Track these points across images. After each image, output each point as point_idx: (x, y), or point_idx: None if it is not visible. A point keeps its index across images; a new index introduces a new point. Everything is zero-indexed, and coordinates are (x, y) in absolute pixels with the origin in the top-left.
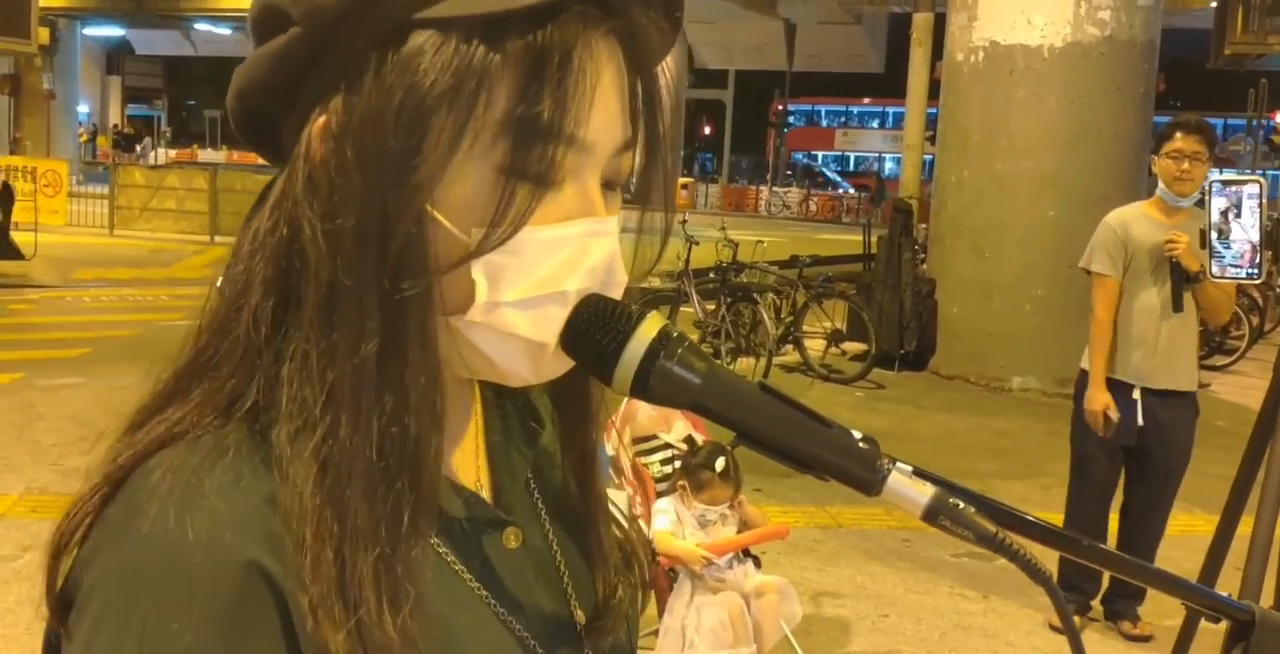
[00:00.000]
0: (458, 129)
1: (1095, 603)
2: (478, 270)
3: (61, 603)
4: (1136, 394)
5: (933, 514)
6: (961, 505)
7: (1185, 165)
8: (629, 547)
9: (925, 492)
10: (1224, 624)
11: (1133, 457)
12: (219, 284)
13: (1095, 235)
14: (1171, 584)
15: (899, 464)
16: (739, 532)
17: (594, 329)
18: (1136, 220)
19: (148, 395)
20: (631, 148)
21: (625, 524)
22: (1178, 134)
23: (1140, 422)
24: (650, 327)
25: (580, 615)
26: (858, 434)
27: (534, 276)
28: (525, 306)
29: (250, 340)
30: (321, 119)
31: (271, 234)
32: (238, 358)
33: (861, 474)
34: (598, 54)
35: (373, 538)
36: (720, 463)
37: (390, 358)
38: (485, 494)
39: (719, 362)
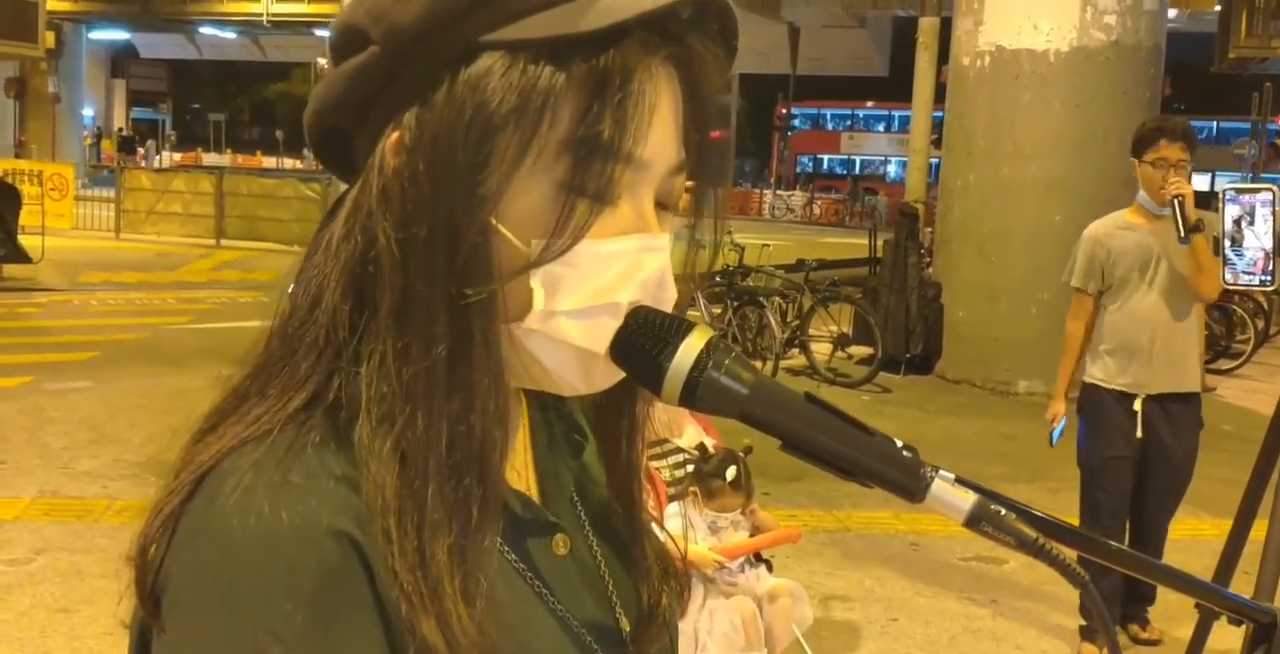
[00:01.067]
0: (523, 145)
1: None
2: (536, 280)
3: (150, 599)
4: (1138, 404)
5: (975, 520)
6: (1003, 512)
7: (1170, 175)
8: (666, 557)
9: (967, 499)
10: (1233, 630)
11: (1138, 469)
12: (290, 290)
13: (1075, 249)
14: (1196, 587)
15: (941, 472)
16: (751, 532)
17: (643, 340)
18: (1115, 231)
19: (220, 396)
20: (683, 169)
21: (661, 535)
22: (1162, 141)
23: (1139, 433)
24: (698, 338)
25: (625, 623)
26: (899, 442)
27: (589, 287)
28: (579, 316)
29: (329, 342)
30: (395, 134)
31: (346, 242)
32: (315, 358)
33: (906, 482)
34: (656, 78)
35: (446, 530)
36: (731, 472)
37: (458, 361)
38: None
39: None
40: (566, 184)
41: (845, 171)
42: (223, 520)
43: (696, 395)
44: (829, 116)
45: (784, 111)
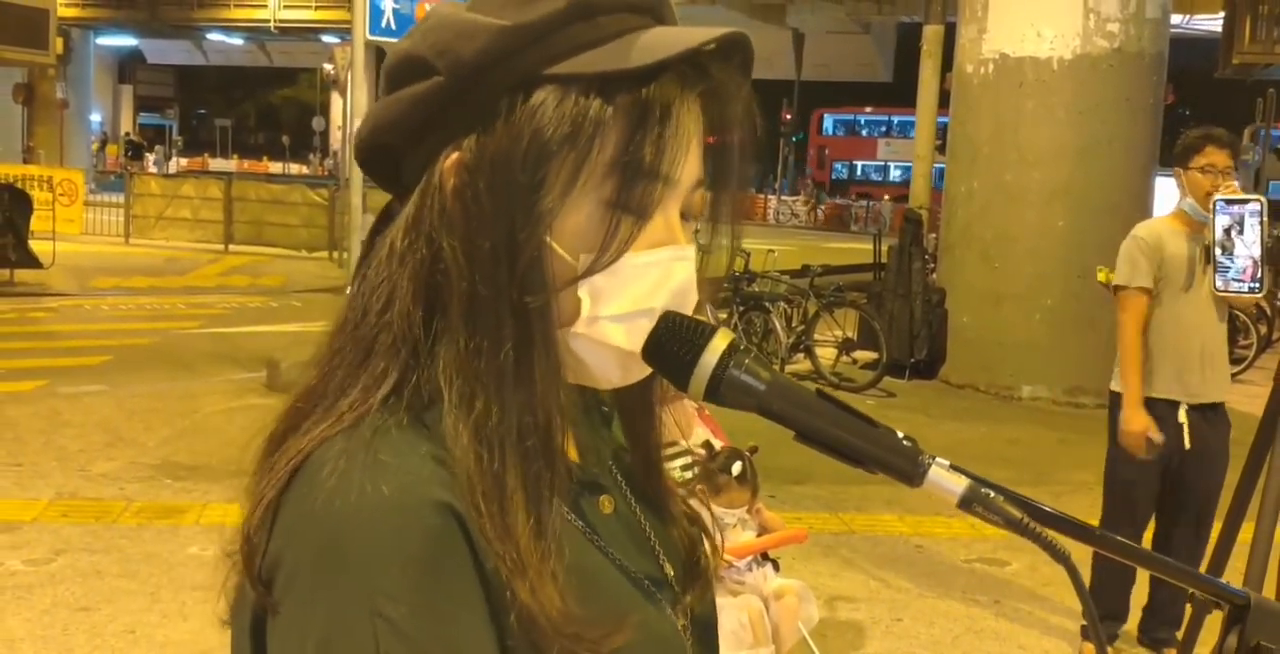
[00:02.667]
0: (575, 169)
1: (1130, 630)
2: (583, 289)
3: (260, 583)
4: (1182, 415)
5: (967, 502)
6: (992, 495)
7: (1219, 180)
8: (698, 518)
9: (961, 483)
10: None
11: (1171, 481)
12: (350, 293)
13: (1126, 249)
14: (1175, 571)
15: (937, 459)
16: (758, 532)
17: (672, 342)
18: (1168, 235)
19: (296, 396)
20: (703, 184)
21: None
22: (1209, 147)
23: (1188, 444)
24: (721, 340)
25: (670, 572)
26: (900, 433)
27: (629, 295)
28: (620, 320)
29: (404, 342)
30: (454, 155)
31: (411, 252)
32: (392, 357)
33: (906, 468)
34: (691, 107)
35: (523, 508)
36: (737, 467)
37: (523, 359)
38: None
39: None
40: (612, 203)
41: (881, 178)
42: (326, 501)
43: (720, 392)
44: (863, 122)
45: (788, 117)
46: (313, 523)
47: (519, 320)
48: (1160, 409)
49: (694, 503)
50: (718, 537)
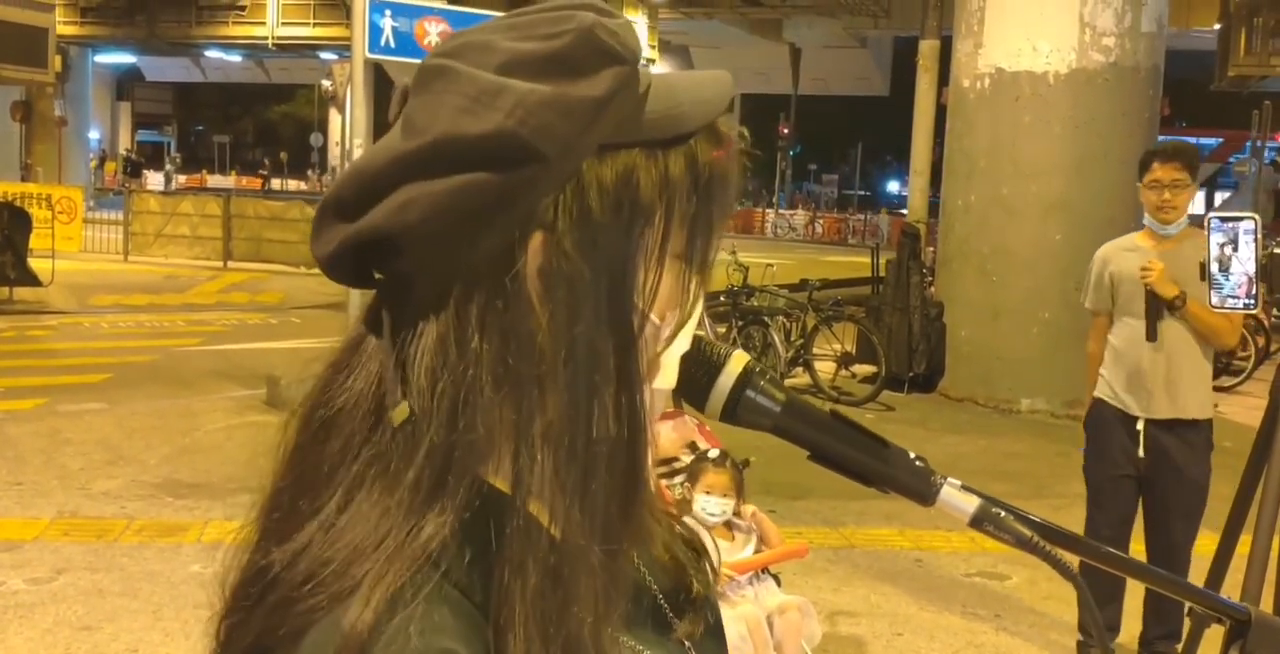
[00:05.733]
0: (664, 234)
1: (1129, 642)
2: (668, 352)
3: None
4: (1140, 425)
5: (978, 521)
6: (1003, 514)
7: (1166, 195)
8: (695, 542)
9: (972, 502)
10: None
11: (1145, 493)
12: (398, 410)
13: (1087, 271)
14: (1177, 586)
15: (949, 479)
16: (758, 545)
17: (690, 365)
18: (1121, 253)
19: (316, 483)
20: None
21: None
22: (1155, 163)
23: (1142, 453)
24: (737, 363)
25: (668, 609)
26: (912, 453)
27: (680, 345)
28: (671, 366)
29: (477, 456)
30: (538, 235)
31: (483, 343)
32: (455, 481)
33: (919, 488)
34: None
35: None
36: (715, 452)
37: (628, 447)
38: None
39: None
40: (685, 260)
41: None
42: None
43: (736, 412)
44: None
45: (785, 131)
46: None
47: (629, 402)
48: (1123, 420)
49: (687, 525)
50: (707, 540)
